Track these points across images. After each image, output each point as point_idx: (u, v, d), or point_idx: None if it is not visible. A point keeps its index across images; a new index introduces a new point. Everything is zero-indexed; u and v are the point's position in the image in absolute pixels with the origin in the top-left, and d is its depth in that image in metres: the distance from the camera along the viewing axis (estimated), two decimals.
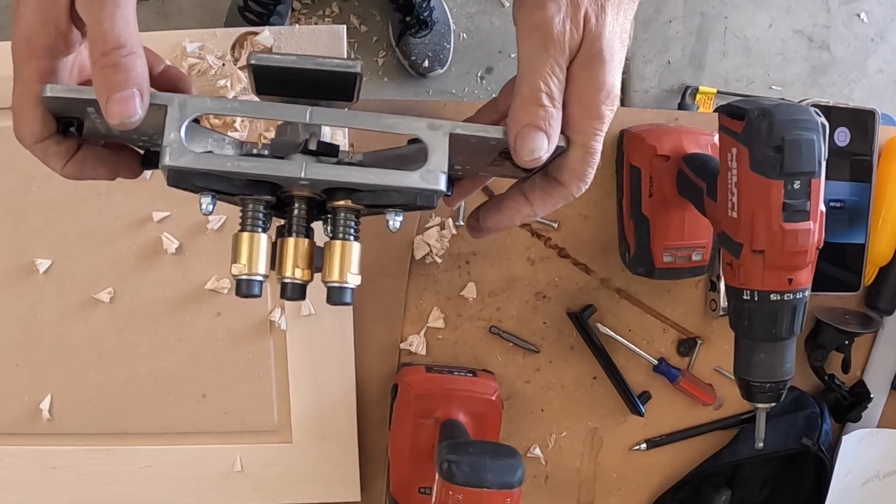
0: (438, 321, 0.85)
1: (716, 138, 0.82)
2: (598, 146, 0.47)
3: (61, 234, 0.82)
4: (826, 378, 0.91)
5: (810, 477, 0.92)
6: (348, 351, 0.83)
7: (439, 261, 0.84)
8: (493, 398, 0.81)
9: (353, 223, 0.48)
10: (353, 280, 0.48)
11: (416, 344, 0.85)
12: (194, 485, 0.85)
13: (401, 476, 0.81)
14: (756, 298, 0.68)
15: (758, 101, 0.69)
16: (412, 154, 0.49)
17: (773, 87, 1.66)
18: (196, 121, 0.47)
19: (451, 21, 1.66)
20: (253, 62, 0.47)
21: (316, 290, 0.80)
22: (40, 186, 0.82)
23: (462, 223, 0.84)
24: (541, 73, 0.45)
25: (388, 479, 0.84)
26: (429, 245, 0.83)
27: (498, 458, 0.67)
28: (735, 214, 0.68)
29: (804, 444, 0.88)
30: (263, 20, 1.57)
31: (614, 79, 0.47)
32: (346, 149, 0.50)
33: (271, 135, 0.62)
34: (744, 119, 0.67)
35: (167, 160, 0.43)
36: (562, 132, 0.47)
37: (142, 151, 0.53)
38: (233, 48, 0.81)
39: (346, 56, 0.49)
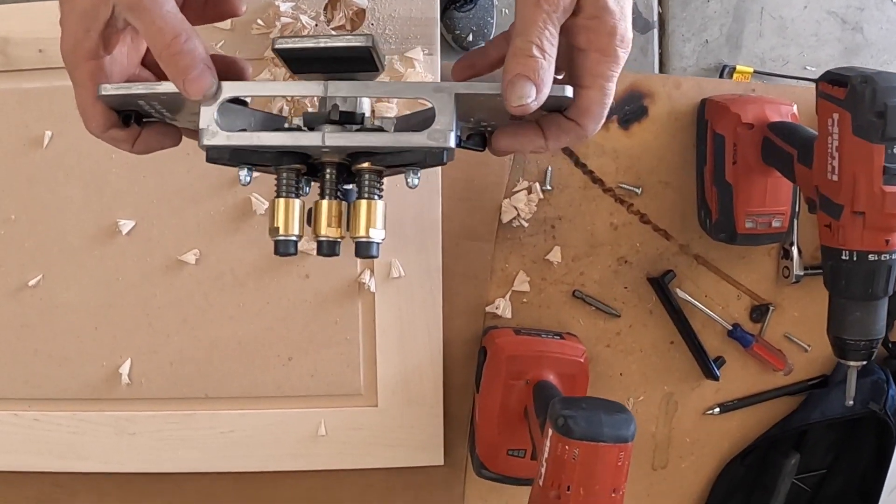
0: (524, 285, 0.86)
1: (795, 108, 0.84)
2: (613, 87, 0.50)
3: (146, 195, 0.81)
4: (890, 346, 0.93)
5: (873, 442, 0.94)
6: (436, 314, 0.83)
7: (526, 225, 0.85)
8: (582, 360, 0.81)
9: (376, 183, 0.53)
10: (377, 235, 0.52)
11: (503, 307, 0.85)
12: (276, 449, 0.85)
13: (489, 439, 0.82)
14: (854, 259, 0.70)
15: (859, 69, 0.71)
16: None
17: (808, 67, 1.70)
18: (243, 102, 0.53)
19: None
20: (276, 47, 0.51)
21: (406, 251, 0.81)
22: None
23: (549, 187, 0.85)
24: (533, 28, 0.48)
25: (473, 443, 0.84)
26: (516, 209, 0.84)
27: (611, 413, 0.68)
28: (836, 177, 0.70)
29: (871, 408, 0.91)
30: None
31: (626, 24, 0.50)
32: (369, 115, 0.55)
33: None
34: (846, 86, 0.69)
35: (203, 141, 0.49)
36: (574, 82, 0.50)
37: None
38: (325, 8, 0.81)
39: (360, 31, 0.56)
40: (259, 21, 0.80)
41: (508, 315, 0.86)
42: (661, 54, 1.63)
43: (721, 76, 1.59)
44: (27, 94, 0.80)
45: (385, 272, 0.82)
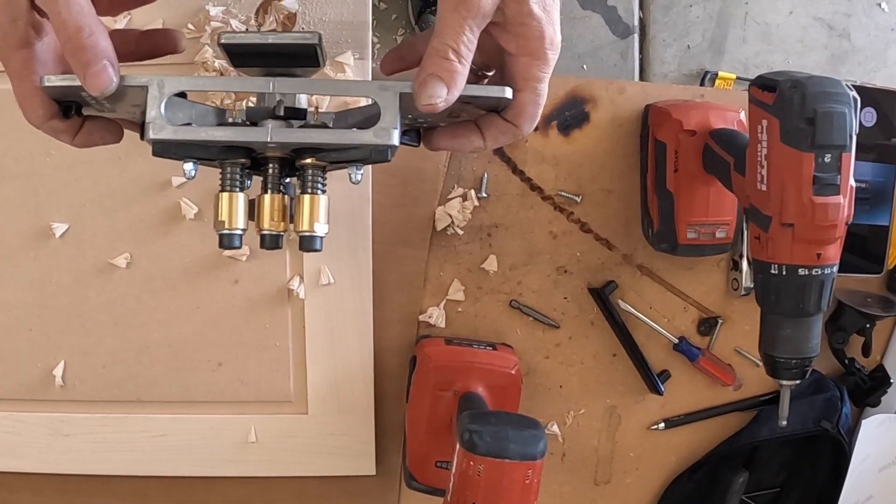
0: (458, 293, 0.84)
1: (742, 115, 0.81)
2: (545, 88, 0.52)
3: (79, 197, 0.81)
4: (846, 361, 0.90)
5: (827, 461, 0.91)
6: (367, 321, 0.82)
7: (461, 232, 0.83)
8: (513, 372, 0.80)
9: (319, 178, 0.54)
10: (321, 229, 0.53)
11: (436, 316, 0.84)
12: (208, 454, 0.84)
13: (418, 449, 0.80)
14: (784, 273, 0.67)
15: (789, 73, 0.68)
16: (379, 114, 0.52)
17: None
18: (184, 95, 0.53)
19: None
20: (222, 42, 0.51)
21: (336, 258, 0.80)
22: (59, 148, 0.81)
23: (485, 195, 0.83)
24: (450, 31, 0.48)
25: (404, 453, 0.83)
26: (451, 216, 0.82)
27: (520, 428, 0.66)
28: (764, 187, 0.67)
29: (823, 427, 0.87)
30: None
31: (553, 28, 0.51)
32: (312, 111, 0.56)
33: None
34: (775, 90, 0.66)
35: (150, 135, 0.48)
36: (508, 85, 0.51)
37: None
38: (257, 12, 0.80)
39: (305, 29, 0.56)
40: (190, 25, 0.79)
41: (442, 324, 0.84)
42: (641, 60, 1.59)
43: (703, 83, 1.56)
44: None
45: (315, 279, 0.81)
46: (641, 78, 1.61)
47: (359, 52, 0.80)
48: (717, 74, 1.58)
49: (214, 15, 0.79)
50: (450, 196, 0.83)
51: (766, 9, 1.64)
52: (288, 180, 0.56)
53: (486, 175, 0.83)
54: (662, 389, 0.87)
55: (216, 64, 0.79)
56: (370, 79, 0.80)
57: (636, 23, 1.59)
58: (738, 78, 1.58)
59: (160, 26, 0.79)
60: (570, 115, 0.84)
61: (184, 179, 0.80)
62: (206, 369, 0.83)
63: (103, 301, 0.83)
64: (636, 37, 1.59)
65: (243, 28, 0.80)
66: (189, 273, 0.82)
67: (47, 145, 0.81)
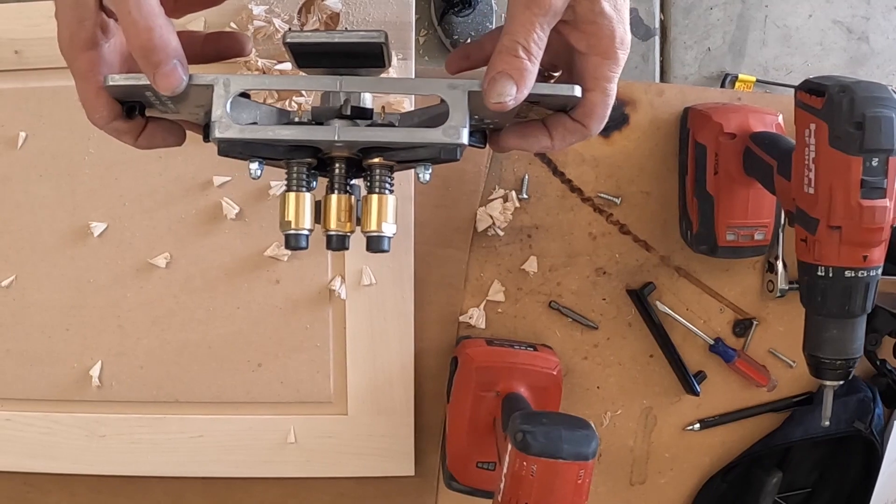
0: (499, 294, 0.84)
1: (780, 118, 0.82)
2: (615, 88, 0.52)
3: (118, 197, 0.81)
4: (878, 363, 0.91)
5: (858, 462, 0.92)
6: (408, 322, 0.82)
7: (501, 233, 0.83)
8: (555, 373, 0.80)
9: (387, 178, 0.53)
10: (389, 229, 0.52)
11: (476, 317, 0.84)
12: (246, 455, 0.84)
13: (458, 450, 0.80)
14: (831, 275, 0.68)
15: (837, 78, 0.69)
16: (444, 113, 0.52)
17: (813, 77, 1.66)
18: (247, 96, 0.53)
19: (493, 1, 1.65)
20: (288, 41, 0.51)
21: (377, 259, 0.80)
22: (98, 147, 0.81)
23: (526, 196, 0.83)
24: (521, 29, 0.48)
25: (444, 454, 0.83)
26: (492, 217, 0.82)
27: (572, 428, 0.66)
28: (812, 190, 0.68)
29: (856, 427, 0.88)
30: None
31: (624, 27, 0.51)
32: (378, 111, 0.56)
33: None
34: (824, 95, 0.67)
35: (216, 133, 0.48)
36: (579, 83, 0.51)
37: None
38: (300, 12, 0.80)
39: (372, 28, 0.55)
40: (232, 24, 0.79)
41: (482, 325, 0.84)
42: (662, 62, 1.60)
43: (723, 85, 1.56)
44: (2, 94, 0.80)
45: (356, 279, 0.81)
46: (662, 80, 1.61)
47: (402, 52, 0.80)
48: (737, 77, 1.58)
49: (257, 14, 0.79)
50: (491, 197, 0.83)
51: (786, 12, 1.65)
52: (353, 181, 0.56)
53: (526, 176, 0.83)
54: (699, 390, 0.87)
55: (259, 63, 0.78)
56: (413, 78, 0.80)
57: (657, 25, 1.60)
58: (757, 80, 1.59)
59: (202, 25, 0.79)
60: (610, 116, 0.84)
61: (225, 179, 0.80)
62: (245, 370, 0.83)
63: (141, 301, 0.82)
64: (657, 39, 1.60)
65: (286, 27, 0.79)
66: (229, 273, 0.82)
67: (86, 144, 0.81)
